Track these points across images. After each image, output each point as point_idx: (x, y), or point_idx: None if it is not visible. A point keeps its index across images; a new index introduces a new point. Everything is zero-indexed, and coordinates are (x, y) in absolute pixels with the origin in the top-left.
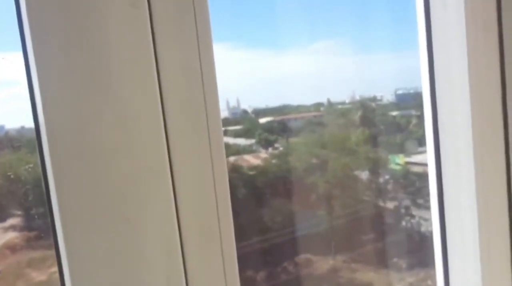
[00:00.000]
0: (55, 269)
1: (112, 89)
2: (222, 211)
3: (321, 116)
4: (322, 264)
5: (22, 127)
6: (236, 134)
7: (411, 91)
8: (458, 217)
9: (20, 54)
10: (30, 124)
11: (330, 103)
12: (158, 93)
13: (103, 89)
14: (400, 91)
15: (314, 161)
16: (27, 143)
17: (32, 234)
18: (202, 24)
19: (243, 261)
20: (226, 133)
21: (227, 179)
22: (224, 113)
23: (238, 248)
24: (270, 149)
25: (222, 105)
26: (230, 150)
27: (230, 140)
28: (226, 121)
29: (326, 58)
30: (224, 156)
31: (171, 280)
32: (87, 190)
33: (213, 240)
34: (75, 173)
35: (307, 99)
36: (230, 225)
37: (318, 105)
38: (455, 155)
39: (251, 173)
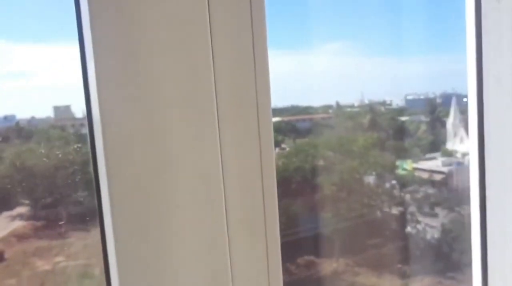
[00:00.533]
0: (60, 258)
1: (166, 78)
2: (269, 205)
3: (329, 118)
4: (325, 266)
5: (33, 118)
6: None
7: (421, 97)
8: (501, 223)
9: (33, 46)
10: (40, 115)
11: (339, 106)
12: (213, 85)
13: (155, 77)
14: (410, 97)
15: (321, 162)
16: (36, 134)
17: (39, 223)
18: (257, 15)
19: None
20: None
21: (274, 173)
22: None
23: None
24: (277, 149)
25: None
26: None
27: None
28: None
29: (337, 60)
30: (273, 149)
31: (217, 273)
32: (138, 177)
33: (259, 234)
34: (128, 161)
35: (316, 101)
36: (276, 219)
37: (326, 108)
38: (502, 160)
39: None
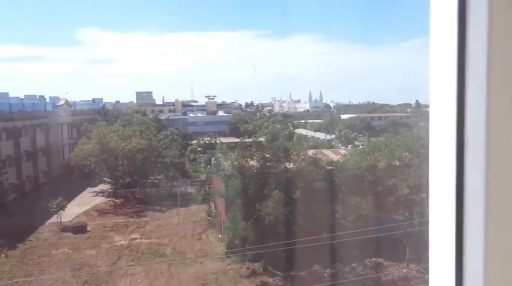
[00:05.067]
0: (135, 235)
1: None
2: None
3: (407, 118)
4: (393, 270)
5: (117, 102)
6: (316, 128)
7: None
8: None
9: (121, 35)
10: (125, 99)
11: (418, 105)
12: None
13: None
14: None
15: (396, 163)
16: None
17: (118, 201)
18: None
19: (309, 255)
20: (305, 126)
21: None
22: (306, 105)
23: (304, 242)
24: (349, 146)
25: (304, 98)
26: (308, 143)
27: (309, 133)
28: (307, 114)
29: (418, 58)
30: None
31: None
32: None
33: None
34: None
35: (394, 99)
36: None
37: (404, 106)
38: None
39: (329, 167)
